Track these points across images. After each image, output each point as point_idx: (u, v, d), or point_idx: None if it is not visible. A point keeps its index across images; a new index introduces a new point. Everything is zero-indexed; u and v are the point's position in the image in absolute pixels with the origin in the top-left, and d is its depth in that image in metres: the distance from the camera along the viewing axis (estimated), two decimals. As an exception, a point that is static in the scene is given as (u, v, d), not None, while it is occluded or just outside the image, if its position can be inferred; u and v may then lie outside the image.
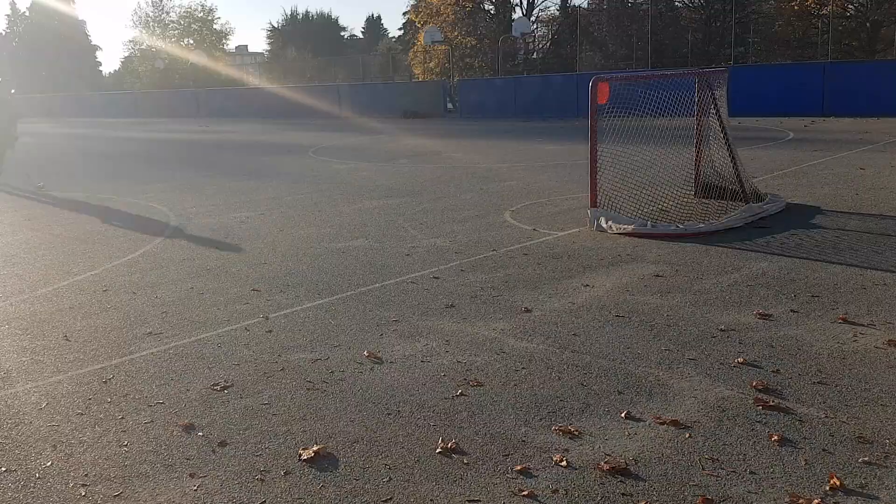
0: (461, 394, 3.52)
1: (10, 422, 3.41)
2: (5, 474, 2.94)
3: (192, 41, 59.95)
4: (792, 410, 3.23)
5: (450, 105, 32.41)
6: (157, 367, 4.01)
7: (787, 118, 21.58)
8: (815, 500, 2.55)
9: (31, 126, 37.90)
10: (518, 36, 34.41)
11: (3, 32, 71.33)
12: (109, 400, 3.61)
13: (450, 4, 42.53)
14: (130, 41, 69.06)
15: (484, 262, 6.08)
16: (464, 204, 8.99)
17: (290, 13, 73.76)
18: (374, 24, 77.33)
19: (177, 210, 9.31)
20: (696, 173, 8.24)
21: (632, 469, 2.81)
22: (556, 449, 2.98)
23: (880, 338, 4.05)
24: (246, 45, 79.56)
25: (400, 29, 65.09)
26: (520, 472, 2.82)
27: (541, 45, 45.35)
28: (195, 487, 2.80)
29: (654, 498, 2.62)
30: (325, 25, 71.67)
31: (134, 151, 19.21)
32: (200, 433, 3.22)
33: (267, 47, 72.64)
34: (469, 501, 2.65)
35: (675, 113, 7.80)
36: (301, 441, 3.12)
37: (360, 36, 76.30)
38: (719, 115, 7.92)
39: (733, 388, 3.48)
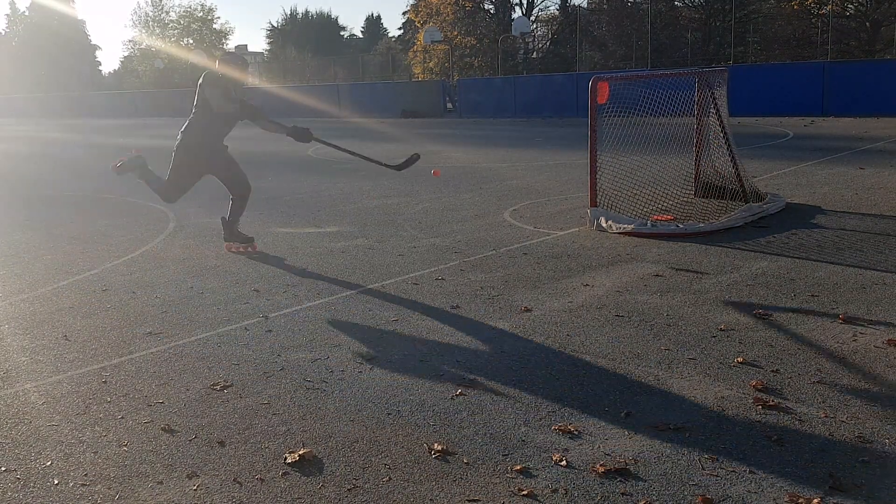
0: (461, 393, 3.52)
1: (9, 421, 3.41)
2: (5, 474, 2.94)
3: (191, 41, 59.99)
4: (791, 410, 3.23)
5: (449, 105, 32.41)
6: (157, 367, 4.01)
7: (787, 118, 21.59)
8: (815, 500, 2.55)
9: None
10: (518, 35, 34.40)
11: (3, 32, 71.32)
12: (109, 400, 3.61)
13: (449, 4, 42.54)
14: (130, 41, 69.09)
15: (484, 261, 6.08)
16: (463, 203, 8.99)
17: (289, 13, 73.79)
18: (373, 23, 77.33)
19: (176, 209, 9.30)
20: (696, 173, 8.24)
21: (631, 468, 2.81)
22: (555, 448, 2.98)
23: (880, 337, 4.05)
24: (245, 45, 79.63)
25: (399, 28, 65.13)
26: (519, 471, 2.82)
27: (540, 45, 45.34)
28: (195, 487, 2.80)
29: (654, 497, 2.62)
30: (325, 25, 71.66)
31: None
32: (200, 433, 3.22)
33: (266, 47, 72.67)
34: (469, 501, 2.65)
35: (675, 112, 7.80)
36: (300, 441, 3.12)
37: (360, 35, 76.31)
38: (719, 115, 7.92)
39: (733, 387, 3.48)
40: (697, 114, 7.99)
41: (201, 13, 61.33)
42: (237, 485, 2.81)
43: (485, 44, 42.21)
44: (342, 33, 74.07)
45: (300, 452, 2.99)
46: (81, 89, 58.20)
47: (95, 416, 3.42)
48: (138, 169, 6.69)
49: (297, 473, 2.87)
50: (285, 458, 2.97)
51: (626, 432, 3.10)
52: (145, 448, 3.11)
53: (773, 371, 3.66)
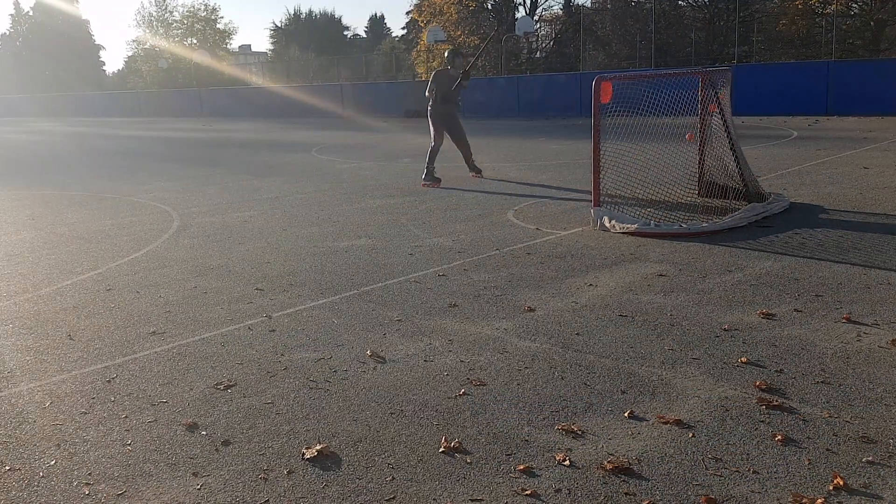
0: (464, 393, 3.52)
1: (14, 420, 3.42)
2: (9, 473, 2.95)
3: (195, 41, 60.06)
4: (795, 410, 3.23)
5: (453, 104, 32.35)
6: (161, 367, 4.01)
7: (791, 117, 21.55)
8: (819, 500, 2.55)
9: (36, 125, 38.03)
10: (521, 35, 34.37)
11: (7, 32, 71.53)
12: (113, 399, 3.61)
13: (453, 3, 42.54)
14: (134, 41, 69.28)
15: (487, 261, 6.08)
16: (466, 203, 8.99)
17: (293, 12, 73.87)
18: (377, 23, 77.40)
19: (180, 209, 9.32)
20: (700, 172, 8.23)
21: (635, 468, 2.81)
22: (559, 448, 2.98)
23: (884, 337, 4.04)
24: (249, 45, 79.91)
25: (403, 28, 65.20)
26: (523, 471, 2.82)
27: (544, 45, 45.30)
28: (198, 486, 2.80)
29: (658, 497, 2.62)
30: (329, 25, 71.75)
31: (136, 149, 19.30)
32: (204, 432, 3.22)
33: (270, 47, 72.77)
34: (472, 501, 2.65)
35: (679, 112, 7.79)
36: (304, 440, 3.12)
37: (364, 35, 76.37)
38: (723, 115, 7.90)
39: (736, 387, 3.48)
40: (701, 113, 7.98)
41: (205, 13, 61.39)
42: (240, 484, 2.81)
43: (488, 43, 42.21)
44: (346, 33, 74.12)
45: (304, 451, 3.00)
46: (85, 89, 58.30)
47: (99, 416, 3.43)
48: None
49: (300, 473, 2.87)
50: (289, 458, 2.97)
51: (630, 432, 3.09)
52: (149, 447, 3.11)
53: (776, 371, 3.65)
